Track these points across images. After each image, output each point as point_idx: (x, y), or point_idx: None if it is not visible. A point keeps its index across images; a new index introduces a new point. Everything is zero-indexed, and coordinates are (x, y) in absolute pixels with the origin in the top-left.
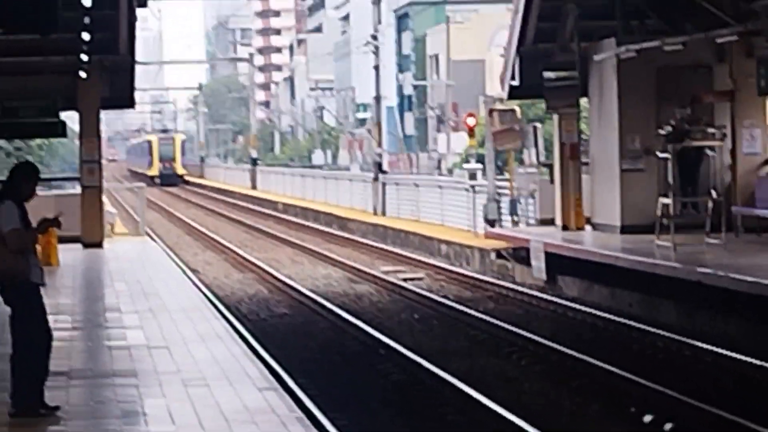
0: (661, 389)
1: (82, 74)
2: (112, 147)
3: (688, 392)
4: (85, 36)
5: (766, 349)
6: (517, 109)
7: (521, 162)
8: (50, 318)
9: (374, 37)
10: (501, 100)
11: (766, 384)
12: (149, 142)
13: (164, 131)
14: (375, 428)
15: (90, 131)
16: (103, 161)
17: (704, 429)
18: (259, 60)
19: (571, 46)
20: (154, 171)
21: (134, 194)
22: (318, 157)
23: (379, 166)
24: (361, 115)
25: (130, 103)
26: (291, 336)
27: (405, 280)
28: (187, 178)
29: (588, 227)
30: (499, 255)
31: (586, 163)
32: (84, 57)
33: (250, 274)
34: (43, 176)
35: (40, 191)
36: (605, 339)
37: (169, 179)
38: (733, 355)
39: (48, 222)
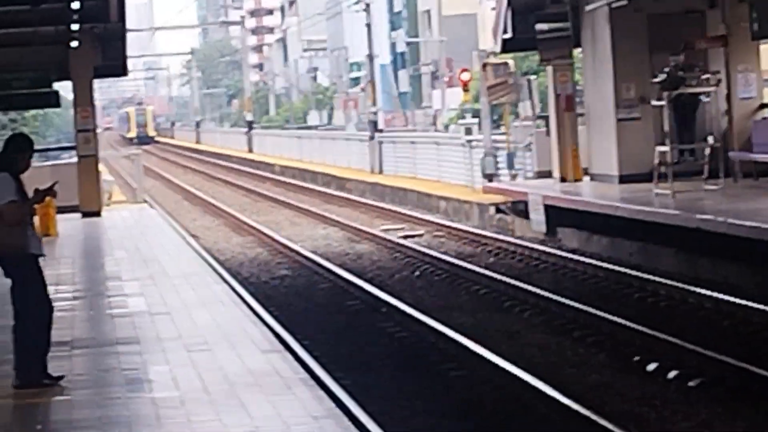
0: (664, 337)
1: (74, 44)
2: (107, 115)
3: (692, 339)
4: (75, 5)
5: (767, 293)
6: (511, 62)
7: (517, 115)
8: (51, 288)
9: None
10: (494, 54)
11: None
12: (127, 113)
13: (139, 104)
14: (380, 387)
15: (84, 100)
16: (99, 130)
17: (709, 375)
18: (250, 23)
19: None
20: (132, 134)
21: (131, 162)
22: (313, 117)
23: (374, 124)
24: (354, 74)
25: (123, 71)
26: (293, 298)
27: (404, 237)
28: (157, 138)
29: (586, 178)
30: (497, 209)
31: (582, 114)
32: (74, 26)
33: (250, 237)
34: (38, 147)
35: (37, 162)
36: (606, 289)
37: (143, 140)
38: (735, 300)
39: (43, 192)
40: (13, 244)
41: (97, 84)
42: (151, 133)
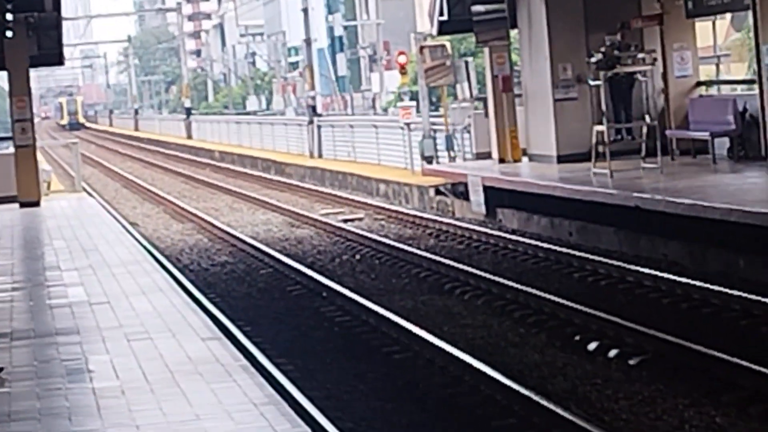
0: (604, 316)
1: (8, 33)
2: (44, 104)
3: (632, 318)
4: None
5: (706, 270)
6: (448, 44)
7: (455, 97)
8: None
9: None
10: (431, 37)
11: (708, 304)
12: (60, 103)
13: (70, 95)
14: (322, 371)
15: (20, 90)
16: (36, 119)
17: (650, 353)
18: (187, 9)
19: None
20: (64, 121)
21: (69, 150)
22: (252, 103)
23: (313, 108)
24: (292, 58)
25: (59, 60)
26: (233, 284)
27: (344, 221)
28: (87, 124)
29: (525, 159)
30: (437, 191)
31: (520, 95)
32: (9, 16)
33: (190, 224)
34: None
35: None
36: (547, 269)
37: (73, 126)
38: (674, 277)
39: None
40: None
41: (34, 73)
42: (81, 120)
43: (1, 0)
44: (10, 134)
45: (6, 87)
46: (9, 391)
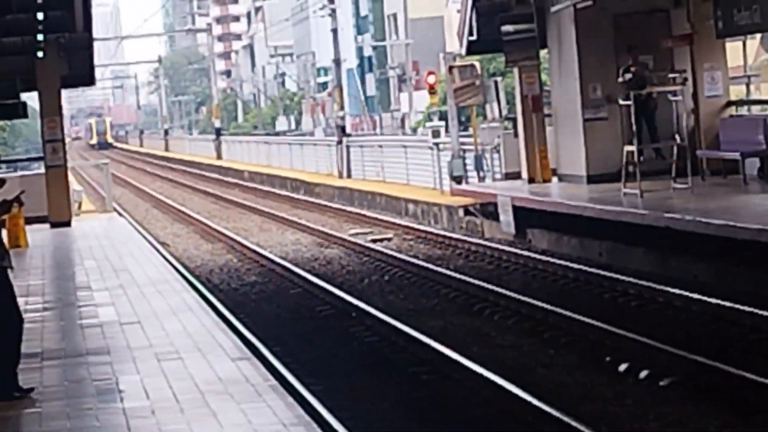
0: (634, 337)
1: (40, 54)
2: (75, 124)
3: (662, 338)
4: (40, 15)
5: (737, 290)
6: (477, 64)
7: (484, 117)
8: (21, 300)
9: (331, 0)
10: (460, 56)
11: (738, 325)
12: (90, 123)
13: (98, 116)
14: (351, 392)
15: (51, 111)
16: (67, 139)
17: (680, 374)
18: (217, 29)
19: None
20: (93, 141)
21: (100, 171)
22: (281, 123)
23: (342, 129)
24: (321, 79)
25: (90, 81)
26: (263, 304)
27: (373, 241)
28: (116, 144)
29: (554, 179)
30: (466, 211)
31: (549, 115)
32: (40, 37)
33: (219, 244)
34: (6, 158)
35: (5, 173)
36: (576, 289)
37: (102, 145)
38: (704, 298)
39: (9, 202)
40: None
41: (65, 93)
42: (110, 140)
43: (33, 21)
44: (41, 155)
45: (37, 107)
46: (40, 411)
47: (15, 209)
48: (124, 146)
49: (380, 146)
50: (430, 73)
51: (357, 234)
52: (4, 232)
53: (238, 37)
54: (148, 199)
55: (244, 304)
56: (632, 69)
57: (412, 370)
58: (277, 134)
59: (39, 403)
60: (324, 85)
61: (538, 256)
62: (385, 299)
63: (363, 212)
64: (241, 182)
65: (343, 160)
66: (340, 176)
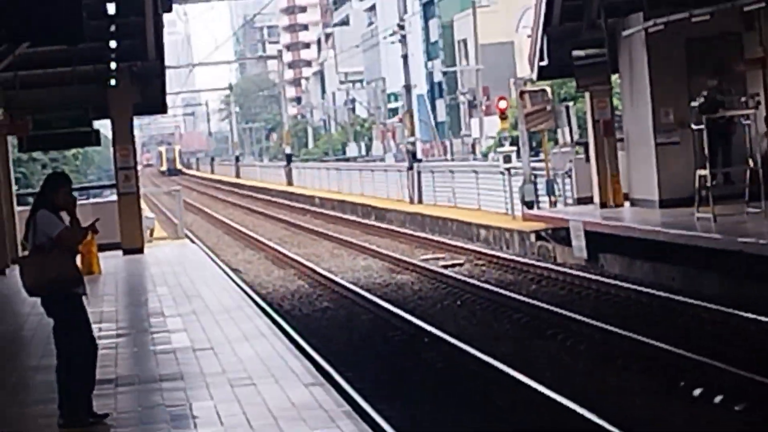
0: (708, 361)
1: (112, 82)
2: (147, 152)
3: (736, 363)
4: (112, 44)
5: None
6: (548, 89)
7: (556, 142)
8: (94, 326)
9: (401, 27)
10: (531, 82)
11: None
12: (160, 151)
13: (168, 144)
14: (424, 417)
15: (123, 138)
16: (139, 167)
17: (755, 399)
18: (287, 56)
19: (598, 23)
20: (163, 167)
21: (172, 198)
22: (352, 149)
23: (413, 154)
24: (392, 104)
25: (162, 108)
26: (334, 330)
27: (445, 267)
28: (185, 171)
29: (626, 203)
30: (538, 236)
31: (621, 140)
32: (112, 65)
33: (291, 270)
34: (79, 185)
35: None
36: (649, 315)
37: (171, 172)
38: None
39: (85, 230)
40: (67, 273)
41: (137, 121)
42: (179, 166)
43: (105, 49)
44: (113, 182)
45: (109, 135)
46: None
47: (89, 237)
48: (195, 173)
49: (451, 171)
50: (501, 98)
51: (428, 259)
52: (78, 259)
53: (309, 63)
54: (219, 225)
55: (316, 329)
56: (704, 93)
57: (485, 396)
58: (347, 160)
59: (113, 429)
60: (394, 111)
61: (610, 281)
62: (457, 324)
63: (434, 238)
64: (311, 208)
65: (414, 186)
66: (411, 202)
